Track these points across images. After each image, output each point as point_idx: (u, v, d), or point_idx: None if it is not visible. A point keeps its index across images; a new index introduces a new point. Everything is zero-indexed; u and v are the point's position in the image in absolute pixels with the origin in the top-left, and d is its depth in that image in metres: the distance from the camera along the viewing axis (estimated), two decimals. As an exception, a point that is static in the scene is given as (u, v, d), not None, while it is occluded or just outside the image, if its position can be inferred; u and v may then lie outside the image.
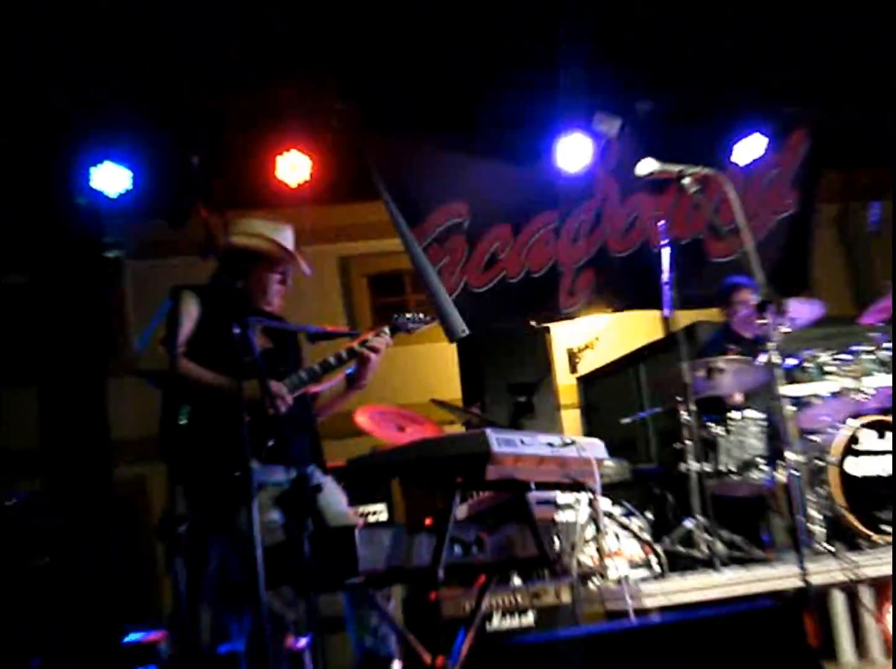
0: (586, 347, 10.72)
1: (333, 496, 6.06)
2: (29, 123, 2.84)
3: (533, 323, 10.37)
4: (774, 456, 8.20)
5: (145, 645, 6.60)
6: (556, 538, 7.56)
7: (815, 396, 8.32)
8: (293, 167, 9.57)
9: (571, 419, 11.45)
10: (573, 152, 10.11)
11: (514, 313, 10.40)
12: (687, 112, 10.44)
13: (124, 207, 8.68)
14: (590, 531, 7.67)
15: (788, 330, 7.58)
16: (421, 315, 6.49)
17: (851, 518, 7.94)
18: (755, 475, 8.29)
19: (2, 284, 11.36)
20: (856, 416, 8.32)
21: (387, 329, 6.32)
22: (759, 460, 8.31)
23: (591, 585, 7.47)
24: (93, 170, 8.59)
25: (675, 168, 6.78)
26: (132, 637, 6.58)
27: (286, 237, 6.24)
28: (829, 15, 11.39)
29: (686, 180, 6.72)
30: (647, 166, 6.85)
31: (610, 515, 7.83)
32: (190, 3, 10.25)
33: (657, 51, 10.62)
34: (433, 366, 10.26)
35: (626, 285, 9.63)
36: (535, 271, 10.49)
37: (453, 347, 10.02)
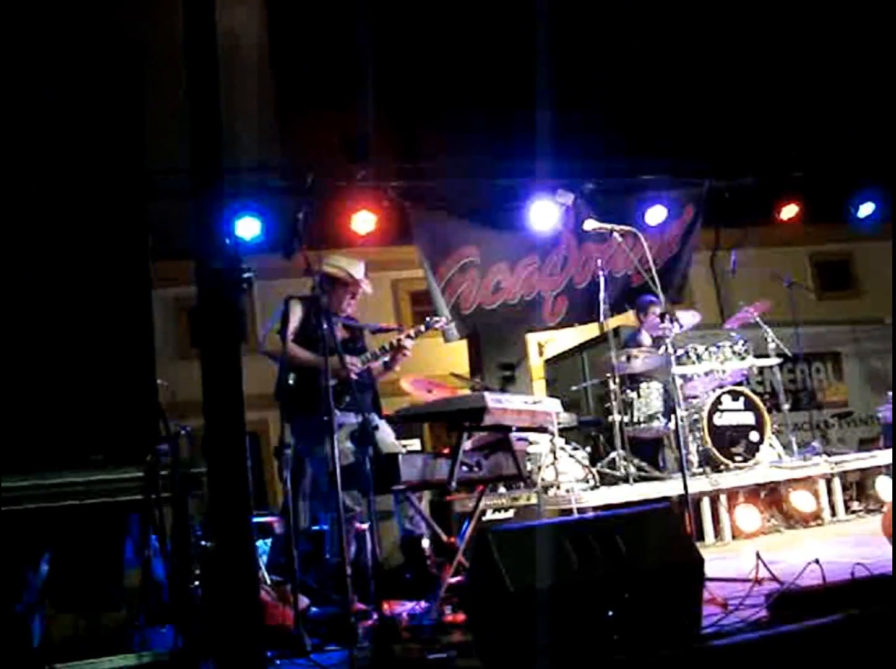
0: (549, 341, 10.69)
1: (386, 433, 6.12)
2: (198, 193, 2.90)
3: (528, 332, 10.45)
4: (668, 412, 8.23)
5: (265, 525, 6.63)
6: (528, 462, 7.58)
7: (695, 374, 8.34)
8: (363, 222, 9.60)
9: (539, 387, 11.46)
10: (543, 215, 10.12)
11: (515, 324, 10.47)
12: (616, 191, 10.44)
13: (256, 245, 8.76)
14: (549, 459, 7.67)
15: (678, 332, 7.60)
16: (443, 320, 6.58)
17: (715, 452, 7.96)
18: (656, 424, 8.32)
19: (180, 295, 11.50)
20: (719, 387, 8.35)
21: (421, 327, 6.39)
22: (658, 414, 8.34)
23: (550, 493, 7.48)
24: (237, 222, 8.66)
25: (608, 226, 6.79)
26: (257, 519, 6.59)
27: (359, 269, 6.32)
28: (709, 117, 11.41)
29: (615, 234, 6.74)
30: (590, 224, 6.87)
31: (562, 448, 7.84)
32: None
33: (597, 152, 10.66)
34: (451, 351, 10.27)
35: (585, 306, 9.63)
36: (526, 296, 10.57)
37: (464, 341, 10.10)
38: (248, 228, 8.89)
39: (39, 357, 3.95)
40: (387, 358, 6.33)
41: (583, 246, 10.57)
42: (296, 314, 6.00)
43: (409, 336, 6.29)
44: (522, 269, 10.59)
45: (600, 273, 8.46)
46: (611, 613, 3.79)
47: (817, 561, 4.67)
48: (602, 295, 8.26)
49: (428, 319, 6.53)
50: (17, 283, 4.00)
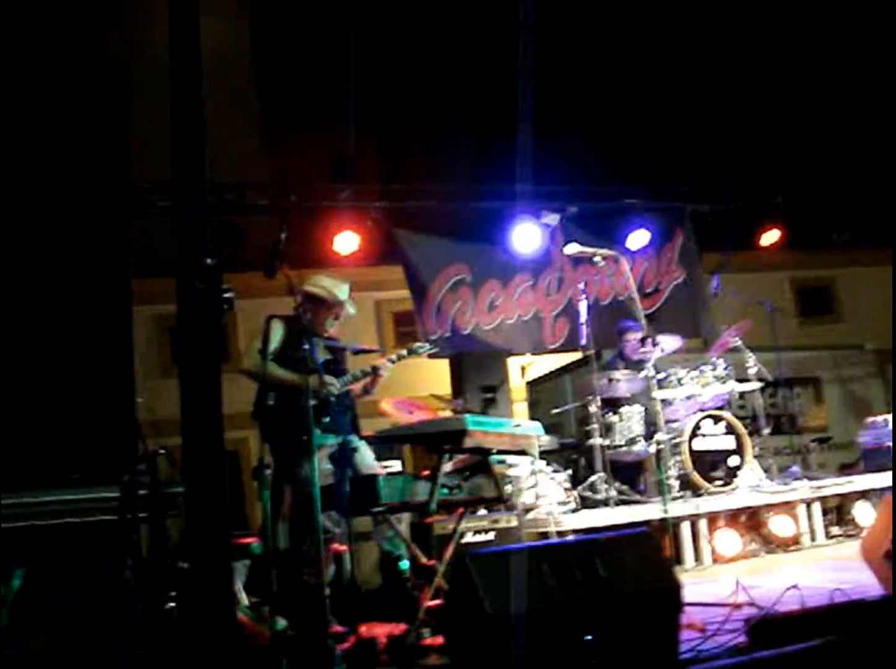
0: (530, 363, 10.68)
1: (366, 455, 6.11)
2: (179, 211, 2.89)
3: (529, 353, 10.37)
4: (649, 435, 8.24)
5: (243, 545, 6.59)
6: (508, 485, 7.57)
7: (675, 398, 8.36)
8: (346, 242, 9.59)
9: (521, 409, 11.45)
10: (527, 237, 10.12)
11: (513, 345, 10.42)
12: (599, 214, 10.47)
13: (237, 263, 8.73)
14: (530, 481, 7.67)
15: (659, 355, 7.63)
16: (427, 345, 6.57)
17: (695, 476, 7.97)
18: (636, 447, 8.31)
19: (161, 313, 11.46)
20: (700, 411, 8.37)
21: (403, 352, 6.40)
22: (639, 437, 8.34)
23: (530, 515, 7.47)
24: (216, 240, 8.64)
25: (591, 250, 6.82)
26: (236, 539, 6.57)
27: (343, 290, 6.33)
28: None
29: (597, 258, 6.76)
30: (571, 248, 6.90)
31: (543, 471, 7.83)
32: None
33: (579, 175, 10.69)
34: (433, 372, 10.25)
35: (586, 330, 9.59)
36: (524, 316, 10.50)
37: (446, 360, 10.04)
38: (229, 244, 8.87)
39: (17, 375, 3.93)
40: (367, 380, 6.33)
41: (579, 267, 10.42)
42: (277, 334, 5.99)
43: (390, 360, 6.30)
44: (515, 286, 10.49)
45: (581, 297, 8.45)
46: (589, 637, 3.79)
47: (796, 586, 4.69)
48: (584, 318, 8.25)
49: (411, 345, 6.55)
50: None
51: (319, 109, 12.14)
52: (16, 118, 4.33)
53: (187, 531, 3.33)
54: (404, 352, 6.41)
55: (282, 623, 5.11)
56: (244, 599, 5.78)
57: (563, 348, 10.63)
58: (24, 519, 3.60)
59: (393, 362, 6.28)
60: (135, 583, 4.44)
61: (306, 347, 4.95)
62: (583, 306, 8.25)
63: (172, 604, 3.99)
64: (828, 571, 6.21)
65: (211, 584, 3.22)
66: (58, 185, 4.38)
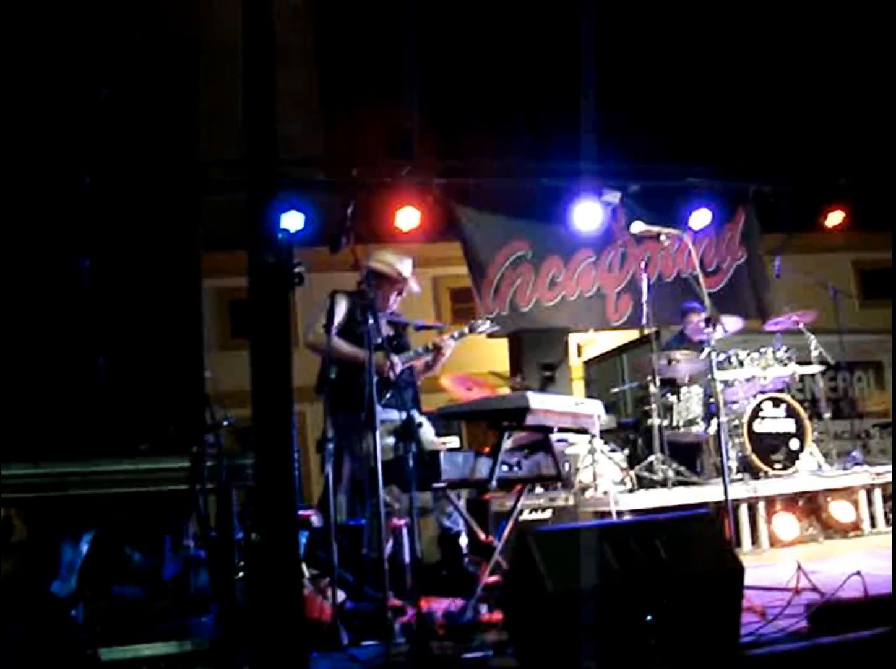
0: (588, 342, 10.63)
1: (427, 430, 6.13)
2: (252, 187, 2.92)
3: (592, 330, 10.29)
4: (708, 417, 8.19)
5: (304, 518, 6.66)
6: (566, 463, 7.57)
7: (735, 380, 8.30)
8: (407, 218, 9.60)
9: (577, 388, 11.43)
10: (588, 214, 10.05)
11: (577, 322, 10.39)
12: (661, 193, 10.38)
13: (301, 239, 8.79)
14: (588, 460, 7.66)
15: (721, 337, 7.56)
16: (488, 323, 6.56)
17: (755, 458, 7.91)
18: (695, 428, 8.27)
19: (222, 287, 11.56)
20: (761, 393, 8.29)
21: (465, 330, 6.40)
22: (698, 418, 8.29)
23: (587, 494, 7.47)
24: (283, 215, 8.71)
25: (656, 229, 6.77)
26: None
27: (407, 266, 6.33)
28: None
29: (662, 237, 6.71)
30: (637, 227, 6.85)
31: (601, 450, 7.83)
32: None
33: (641, 154, 10.61)
34: (492, 349, 10.24)
35: (652, 307, 9.46)
36: (586, 292, 10.44)
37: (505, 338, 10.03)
38: (292, 221, 8.92)
39: (90, 347, 3.99)
40: (429, 358, 6.34)
41: (643, 243, 10.36)
42: (341, 309, 6.02)
43: (452, 337, 6.30)
44: (577, 263, 10.44)
45: (643, 275, 8.43)
46: (650, 618, 3.79)
47: (859, 573, 4.64)
48: (645, 296, 8.23)
49: (472, 322, 6.53)
50: (72, 274, 4.04)
51: (379, 85, 12.16)
52: (86, 96, 4.38)
53: (256, 503, 3.38)
54: (466, 330, 6.41)
55: (340, 595, 5.16)
56: (304, 571, 5.84)
57: (627, 325, 10.58)
58: (94, 487, 3.66)
59: (455, 339, 6.28)
60: (202, 554, 4.52)
61: (370, 322, 4.97)
62: (644, 285, 8.23)
63: (239, 574, 4.05)
64: (889, 558, 6.13)
65: (277, 556, 3.26)
66: (130, 161, 4.42)
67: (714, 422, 7.96)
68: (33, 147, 4.15)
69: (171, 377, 4.06)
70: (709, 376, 6.81)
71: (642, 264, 8.69)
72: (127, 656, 3.48)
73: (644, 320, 8.30)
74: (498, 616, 4.83)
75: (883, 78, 11.09)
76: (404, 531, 5.77)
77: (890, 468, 8.05)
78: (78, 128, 4.21)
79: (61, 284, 3.97)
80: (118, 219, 4.16)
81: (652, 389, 8.25)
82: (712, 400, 7.63)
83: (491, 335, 8.67)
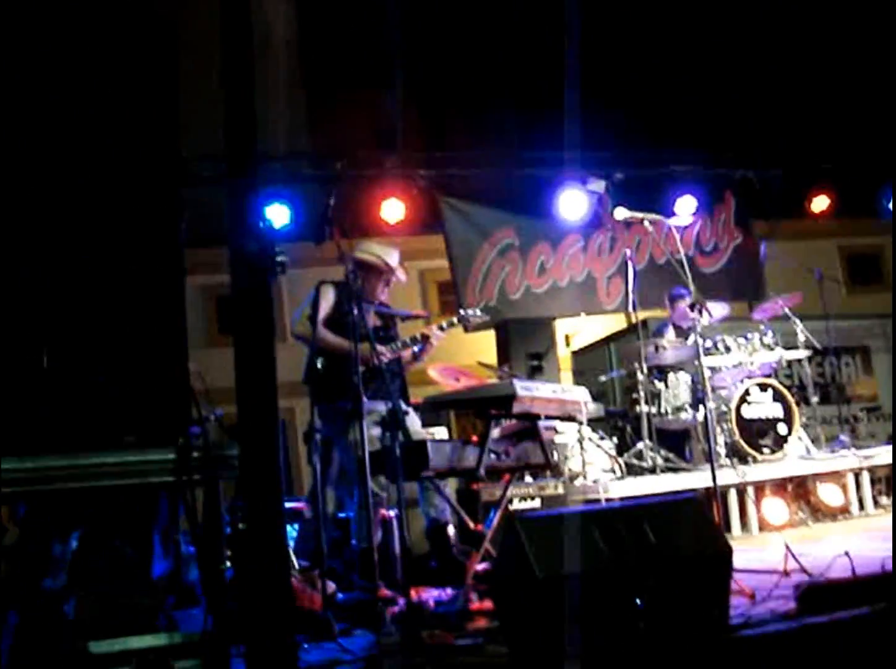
0: (575, 332, 10.62)
1: (414, 421, 6.13)
2: (240, 185, 2.90)
3: (584, 313, 10.25)
4: (696, 403, 8.21)
5: (295, 510, 6.67)
6: (555, 452, 7.58)
7: (723, 366, 8.32)
8: (393, 210, 9.58)
9: (566, 378, 11.43)
10: (572, 202, 10.02)
11: (569, 307, 10.32)
12: (646, 180, 10.37)
13: (288, 234, 8.78)
14: (577, 448, 7.67)
15: (708, 323, 7.58)
16: (478, 311, 6.55)
17: (743, 444, 7.94)
18: (683, 415, 8.29)
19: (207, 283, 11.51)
20: (748, 378, 8.31)
21: (454, 320, 6.39)
22: (686, 405, 8.31)
23: (576, 482, 7.48)
24: (266, 208, 8.69)
25: (640, 215, 6.78)
26: (287, 504, 6.64)
27: (393, 256, 6.33)
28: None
29: (646, 223, 6.72)
30: (620, 213, 6.85)
31: (590, 438, 7.84)
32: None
33: (626, 142, 10.62)
34: (479, 340, 10.23)
35: (644, 290, 9.36)
36: (576, 277, 10.38)
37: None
38: (277, 215, 8.90)
39: (75, 341, 3.97)
40: (416, 348, 6.33)
41: (632, 228, 10.32)
42: (327, 299, 6.02)
43: (440, 327, 6.29)
44: (566, 248, 10.36)
45: (629, 263, 8.44)
46: (638, 601, 3.79)
47: (847, 554, 4.66)
48: (631, 284, 8.25)
49: (461, 312, 6.52)
50: (53, 267, 4.03)
51: (364, 77, 12.13)
52: (61, 84, 4.35)
53: (242, 495, 3.38)
54: (454, 320, 6.40)
55: (331, 586, 5.17)
56: (294, 563, 5.84)
57: (619, 309, 10.54)
58: (80, 480, 3.64)
59: (443, 329, 6.27)
60: (192, 550, 4.52)
61: (356, 312, 4.97)
62: (630, 272, 8.25)
63: (227, 565, 4.05)
64: (877, 540, 6.15)
65: (265, 547, 3.26)
66: (108, 152, 4.39)
67: (702, 408, 7.98)
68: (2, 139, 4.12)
69: (156, 370, 4.04)
70: (696, 363, 6.83)
71: (629, 251, 8.70)
72: (115, 649, 3.48)
73: (631, 306, 8.32)
74: (488, 604, 4.85)
75: (867, 63, 11.12)
76: (394, 521, 5.78)
77: (878, 451, 8.10)
78: (52, 117, 4.19)
79: (39, 278, 3.94)
80: (97, 212, 4.14)
81: (640, 376, 8.27)
82: (700, 386, 7.66)
83: (475, 329, 8.70)
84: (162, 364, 4.10)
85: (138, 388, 4.03)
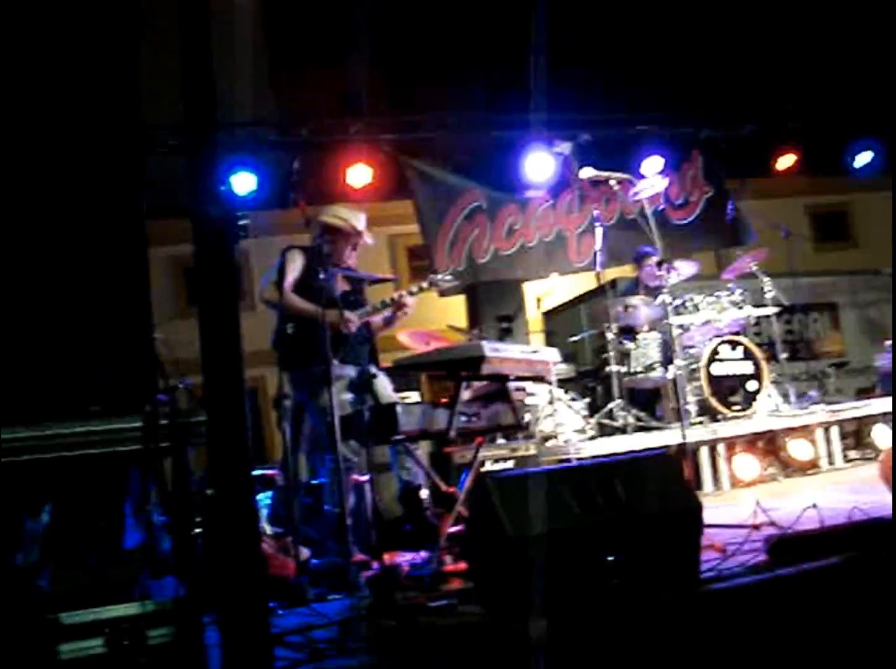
0: (546, 293, 10.61)
1: (385, 385, 6.11)
2: (200, 149, 2.86)
3: (555, 274, 10.19)
4: (666, 362, 8.23)
5: (267, 477, 6.65)
6: (527, 413, 7.59)
7: (692, 324, 8.35)
8: (359, 175, 9.53)
9: (538, 340, 11.45)
10: (538, 164, 9.99)
11: (538, 268, 10.28)
12: (613, 141, 10.35)
13: (252, 201, 8.71)
14: (548, 409, 7.69)
15: (676, 281, 7.60)
16: (448, 276, 6.52)
17: (713, 401, 7.98)
18: (654, 374, 8.32)
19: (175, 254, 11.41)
20: (717, 336, 8.35)
21: (424, 284, 6.36)
22: (656, 364, 8.34)
23: (548, 443, 7.50)
24: (232, 177, 8.61)
25: (605, 174, 6.76)
26: (257, 472, 6.63)
27: (360, 220, 6.27)
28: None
29: (612, 182, 6.70)
30: (586, 173, 6.84)
31: (560, 399, 7.86)
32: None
33: (592, 104, 10.59)
34: (449, 304, 10.21)
35: (616, 246, 9.29)
36: (545, 237, 10.34)
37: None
38: (243, 183, 8.82)
39: (38, 311, 3.93)
40: (387, 314, 6.30)
41: (599, 187, 10.14)
42: (295, 264, 5.98)
43: (410, 292, 6.25)
44: (534, 208, 10.33)
45: (597, 224, 8.42)
46: (610, 558, 3.81)
47: (815, 506, 4.70)
48: (600, 244, 8.24)
49: (432, 276, 6.49)
50: (14, 239, 3.98)
51: (329, 42, 12.03)
52: (19, 52, 4.28)
53: (209, 458, 3.36)
54: (424, 284, 6.36)
55: (305, 553, 5.17)
56: (267, 529, 5.84)
57: (590, 267, 10.51)
58: (47, 451, 3.62)
59: (413, 294, 6.24)
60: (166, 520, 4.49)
61: (323, 276, 4.94)
62: (598, 232, 8.23)
63: (198, 532, 4.03)
64: (846, 493, 6.21)
65: (235, 513, 3.24)
66: (68, 123, 4.33)
67: (672, 367, 8.01)
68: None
69: (121, 341, 4.00)
70: (665, 322, 6.85)
71: (597, 210, 8.68)
72: (88, 619, 3.45)
73: (600, 265, 8.31)
74: (462, 565, 4.86)
75: (833, 20, 11.13)
76: (366, 486, 5.77)
77: (846, 406, 8.18)
78: (9, 87, 4.12)
79: (2, 248, 3.90)
80: (58, 183, 4.08)
81: (609, 336, 8.29)
82: (669, 345, 7.69)
83: (444, 293, 8.67)
84: (127, 334, 4.07)
85: (104, 357, 3.99)
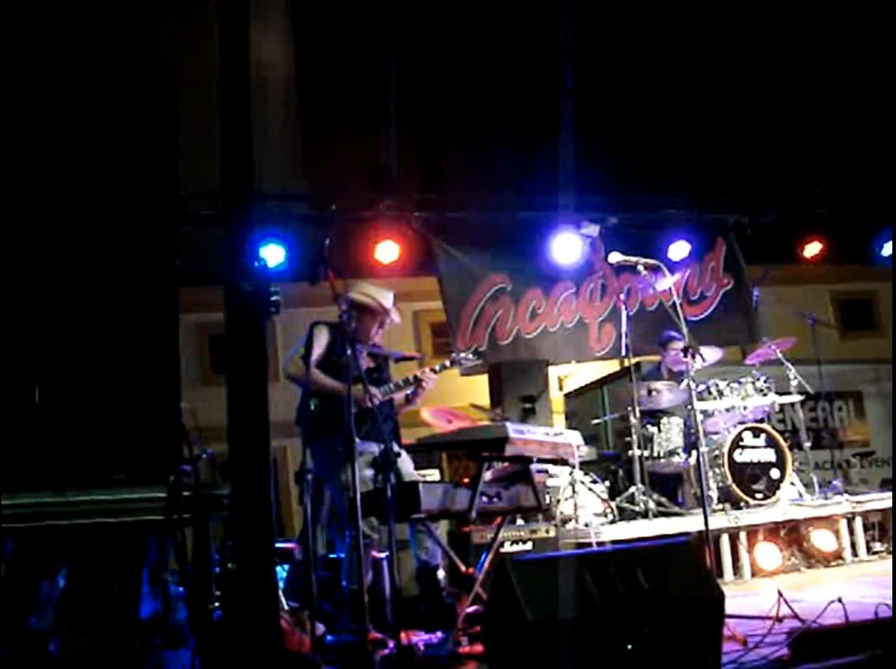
0: (568, 375, 10.62)
1: (406, 463, 6.11)
2: (235, 222, 2.93)
3: (575, 362, 10.24)
4: (689, 447, 8.21)
5: (285, 550, 6.62)
6: (547, 495, 7.56)
7: (715, 410, 8.32)
8: (387, 251, 9.62)
9: (558, 421, 11.42)
10: (567, 247, 10.09)
11: (559, 353, 10.35)
12: (640, 225, 10.43)
13: (279, 273, 8.79)
14: (569, 492, 7.65)
15: (700, 367, 7.60)
16: (470, 355, 6.55)
17: (736, 488, 7.93)
18: (676, 459, 8.29)
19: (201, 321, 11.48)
20: (741, 423, 8.31)
21: (447, 362, 6.39)
22: (679, 449, 8.31)
23: (568, 526, 7.46)
24: (261, 249, 8.72)
25: (633, 259, 6.81)
26: (278, 544, 6.60)
27: (388, 298, 6.34)
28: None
29: (640, 267, 6.74)
30: (614, 257, 6.89)
31: (582, 481, 7.82)
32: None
33: (619, 187, 10.68)
34: (472, 382, 10.23)
35: (635, 337, 9.34)
36: (567, 323, 10.43)
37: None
38: (272, 255, 8.93)
39: (66, 376, 3.97)
40: (409, 391, 6.32)
41: (622, 274, 10.38)
42: (321, 340, 6.02)
43: (432, 370, 6.29)
44: (557, 294, 10.43)
45: (623, 307, 8.47)
46: (630, 646, 3.77)
47: (840, 600, 4.64)
48: (625, 328, 8.27)
49: (454, 354, 6.54)
50: (48, 303, 4.03)
51: (359, 119, 12.20)
52: (61, 124, 4.38)
53: (232, 534, 3.37)
54: (447, 363, 6.41)
55: (320, 628, 5.13)
56: (284, 604, 5.80)
57: (610, 355, 10.58)
58: (70, 518, 3.63)
59: (436, 372, 6.27)
60: (181, 591, 4.49)
61: (349, 353, 4.97)
62: (623, 317, 8.28)
63: (216, 605, 4.02)
64: (870, 586, 6.14)
65: (255, 588, 3.24)
66: (105, 191, 4.41)
67: (694, 452, 7.98)
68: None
69: (148, 408, 4.03)
70: (689, 407, 6.84)
71: (622, 296, 8.72)
72: (102, 689, 3.44)
73: (624, 352, 8.33)
74: (478, 647, 4.82)
75: (861, 110, 11.22)
76: (384, 563, 5.74)
77: (871, 497, 8.10)
78: (52, 156, 4.21)
79: (34, 314, 3.95)
80: (94, 249, 4.15)
81: (632, 420, 8.27)
82: (693, 431, 7.66)
83: (467, 373, 8.70)
84: (154, 402, 4.09)
85: (130, 426, 4.02)
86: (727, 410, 8.32)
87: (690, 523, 7.26)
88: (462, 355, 6.52)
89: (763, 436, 8.26)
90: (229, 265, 3.19)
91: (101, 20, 4.73)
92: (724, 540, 7.29)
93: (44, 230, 4.15)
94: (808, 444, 8.82)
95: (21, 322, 4.01)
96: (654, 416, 8.55)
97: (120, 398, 4.02)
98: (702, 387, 8.21)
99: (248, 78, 3.70)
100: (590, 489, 7.91)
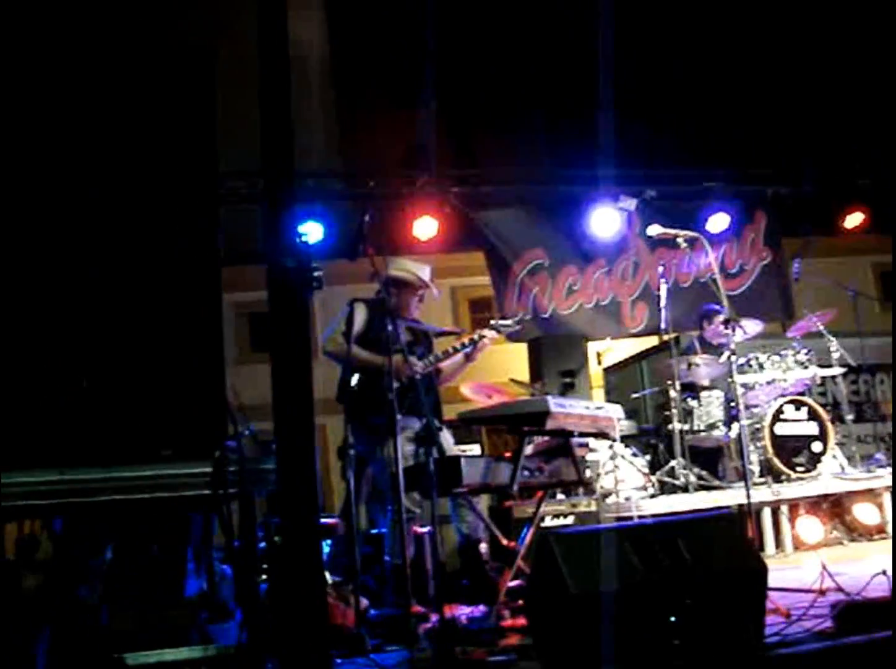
0: (607, 350, 10.59)
1: (447, 438, 6.14)
2: (277, 200, 2.96)
3: (610, 338, 10.26)
4: (729, 421, 8.17)
5: (328, 526, 6.68)
6: (588, 469, 7.56)
7: (756, 383, 8.28)
8: (425, 228, 9.62)
9: (598, 396, 11.39)
10: (605, 221, 10.04)
11: (595, 329, 10.31)
12: (678, 197, 10.37)
13: (321, 251, 8.83)
14: (609, 466, 7.65)
15: (741, 339, 7.56)
16: (508, 321, 6.57)
17: (777, 461, 7.88)
18: (717, 432, 8.25)
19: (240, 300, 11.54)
20: (781, 396, 8.26)
21: (506, 321, 6.44)
22: (719, 423, 8.27)
23: (609, 500, 7.46)
24: (301, 225, 8.75)
25: (672, 232, 6.77)
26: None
27: (426, 272, 6.36)
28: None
29: (679, 239, 6.71)
30: (653, 230, 6.86)
31: (622, 455, 7.82)
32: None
33: (658, 159, 10.62)
34: (511, 357, 10.25)
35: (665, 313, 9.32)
36: (602, 300, 10.43)
37: (524, 345, 10.04)
38: (310, 232, 8.96)
39: (114, 356, 4.03)
40: (467, 350, 6.31)
41: (656, 251, 10.32)
42: (360, 316, 6.05)
43: (490, 327, 6.33)
44: (592, 272, 10.40)
45: (661, 281, 8.42)
46: (673, 618, 3.78)
47: (884, 573, 4.62)
48: (664, 302, 8.23)
49: (496, 320, 6.54)
50: (94, 287, 4.08)
51: (395, 95, 12.21)
52: (102, 107, 4.42)
53: (276, 509, 3.40)
54: (506, 321, 6.46)
55: (364, 602, 5.18)
56: (328, 579, 5.86)
57: (644, 333, 10.55)
58: (118, 493, 3.69)
59: (494, 328, 6.32)
60: (227, 569, 4.55)
61: (390, 328, 5.00)
62: (663, 290, 8.24)
63: (263, 578, 4.08)
64: (914, 559, 6.10)
65: (301, 562, 3.28)
66: (146, 170, 4.46)
67: (735, 426, 7.94)
68: (42, 155, 4.19)
69: (193, 385, 4.08)
70: (729, 380, 6.82)
71: (659, 271, 8.67)
72: (151, 661, 3.51)
73: (664, 326, 8.29)
74: (521, 620, 4.85)
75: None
76: (426, 537, 5.78)
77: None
78: (94, 139, 4.25)
79: (81, 298, 4.01)
80: (137, 229, 4.20)
81: (672, 394, 8.24)
82: (733, 404, 7.64)
83: (513, 339, 8.73)
84: (199, 379, 4.15)
85: (176, 403, 4.07)
86: (768, 383, 8.26)
87: (731, 496, 7.24)
88: (508, 321, 6.55)
89: (804, 409, 8.20)
90: (271, 243, 3.22)
91: (141, 3, 4.77)
92: (766, 514, 7.26)
93: (88, 214, 4.20)
94: (850, 417, 8.76)
95: (69, 305, 4.07)
96: (693, 390, 8.51)
97: (166, 376, 4.07)
98: (742, 360, 8.15)
99: (287, 57, 3.71)
100: (630, 463, 7.90)
